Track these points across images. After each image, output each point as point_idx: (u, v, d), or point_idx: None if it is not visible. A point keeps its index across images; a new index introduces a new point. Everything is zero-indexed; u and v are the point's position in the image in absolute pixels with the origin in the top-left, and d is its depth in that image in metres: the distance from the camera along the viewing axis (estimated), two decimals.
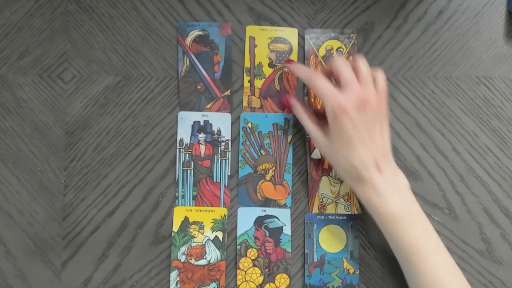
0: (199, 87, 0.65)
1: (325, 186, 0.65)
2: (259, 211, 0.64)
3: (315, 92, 0.60)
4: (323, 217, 0.64)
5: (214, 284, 0.63)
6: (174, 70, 0.66)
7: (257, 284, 0.63)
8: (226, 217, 0.64)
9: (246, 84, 0.65)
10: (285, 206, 0.64)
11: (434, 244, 0.57)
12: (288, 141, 0.65)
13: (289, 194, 0.64)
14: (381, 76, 0.59)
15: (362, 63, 0.58)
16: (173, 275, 0.63)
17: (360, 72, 0.57)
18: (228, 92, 0.65)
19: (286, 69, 0.66)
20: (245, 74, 0.65)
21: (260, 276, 0.63)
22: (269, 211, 0.64)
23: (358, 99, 0.56)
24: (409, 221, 0.56)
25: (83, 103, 0.65)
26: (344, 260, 0.64)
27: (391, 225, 0.56)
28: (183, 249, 0.63)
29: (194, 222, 0.64)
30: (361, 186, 0.57)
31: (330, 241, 0.64)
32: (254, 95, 0.65)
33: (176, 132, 0.65)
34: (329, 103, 0.56)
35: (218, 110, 0.65)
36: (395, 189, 0.56)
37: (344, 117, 0.56)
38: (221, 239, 0.64)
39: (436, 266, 0.55)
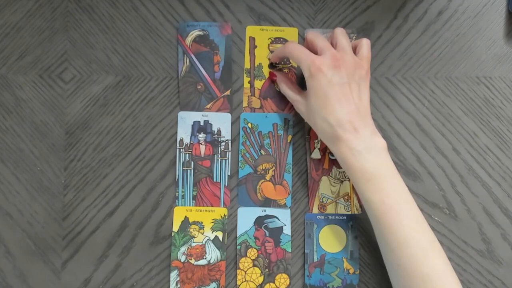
0: (199, 87, 0.65)
1: (325, 186, 0.65)
2: (259, 211, 0.64)
3: (291, 58, 0.62)
4: (323, 217, 0.64)
5: (214, 284, 0.63)
6: (174, 70, 0.66)
7: (257, 284, 0.63)
8: (226, 217, 0.64)
9: (246, 85, 0.65)
10: (285, 206, 0.64)
11: (408, 204, 0.56)
12: (288, 141, 0.65)
13: (289, 194, 0.64)
14: (365, 42, 0.61)
15: (340, 34, 0.60)
16: (173, 275, 0.63)
17: (337, 42, 0.60)
18: (228, 92, 0.65)
19: (286, 70, 0.66)
20: (245, 75, 0.65)
21: (260, 276, 0.63)
22: (269, 211, 0.64)
23: (332, 59, 0.57)
24: (383, 181, 0.56)
25: (83, 103, 0.65)
26: (344, 260, 0.64)
27: (365, 184, 0.56)
28: (183, 249, 0.63)
29: (194, 222, 0.64)
30: (337, 145, 0.57)
31: (330, 241, 0.64)
32: (254, 96, 0.65)
33: (176, 132, 0.65)
34: (305, 63, 0.58)
35: (218, 110, 0.65)
36: (371, 150, 0.56)
37: (319, 74, 0.57)
38: (221, 239, 0.64)
39: (408, 226, 0.55)
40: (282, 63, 0.66)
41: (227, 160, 0.65)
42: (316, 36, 0.61)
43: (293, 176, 0.65)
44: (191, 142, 0.65)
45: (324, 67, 0.57)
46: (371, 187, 0.56)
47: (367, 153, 0.56)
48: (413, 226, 0.55)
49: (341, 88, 0.57)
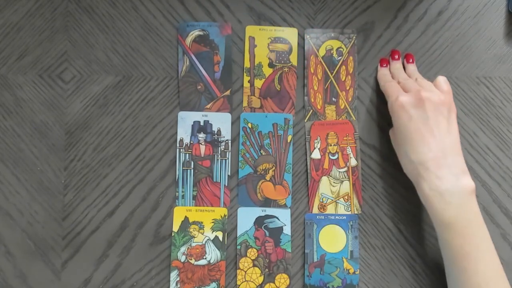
0: (199, 87, 0.65)
1: (325, 186, 0.65)
2: (259, 211, 0.64)
3: (384, 92, 0.62)
4: (323, 217, 0.64)
5: (214, 284, 0.63)
6: (174, 70, 0.66)
7: (257, 284, 0.63)
8: (226, 217, 0.64)
9: (246, 84, 0.65)
10: (285, 206, 0.64)
11: (487, 253, 0.55)
12: (288, 141, 0.65)
13: (289, 194, 0.64)
14: (442, 79, 0.60)
15: (422, 80, 0.61)
16: (173, 275, 0.63)
17: (421, 82, 0.60)
18: (228, 92, 0.65)
19: (286, 69, 0.66)
20: (245, 74, 0.65)
21: (260, 276, 0.63)
22: (269, 211, 0.64)
23: (416, 95, 0.57)
24: (464, 226, 0.54)
25: (83, 103, 0.65)
26: (344, 260, 0.64)
27: (445, 227, 0.55)
28: (183, 249, 0.63)
29: (194, 222, 0.64)
30: (419, 184, 0.56)
31: (330, 241, 0.64)
32: (254, 95, 0.65)
33: (176, 132, 0.65)
34: (390, 99, 0.59)
35: (218, 110, 0.65)
36: (454, 192, 0.54)
37: (401, 111, 0.57)
38: (221, 239, 0.64)
39: (483, 274, 0.53)
40: (283, 62, 0.66)
41: (227, 160, 0.65)
42: (399, 73, 0.62)
43: (293, 176, 0.65)
44: (191, 142, 0.65)
45: (407, 102, 0.57)
46: (451, 231, 0.54)
47: (449, 196, 0.54)
48: (489, 275, 0.54)
49: (424, 124, 0.56)
